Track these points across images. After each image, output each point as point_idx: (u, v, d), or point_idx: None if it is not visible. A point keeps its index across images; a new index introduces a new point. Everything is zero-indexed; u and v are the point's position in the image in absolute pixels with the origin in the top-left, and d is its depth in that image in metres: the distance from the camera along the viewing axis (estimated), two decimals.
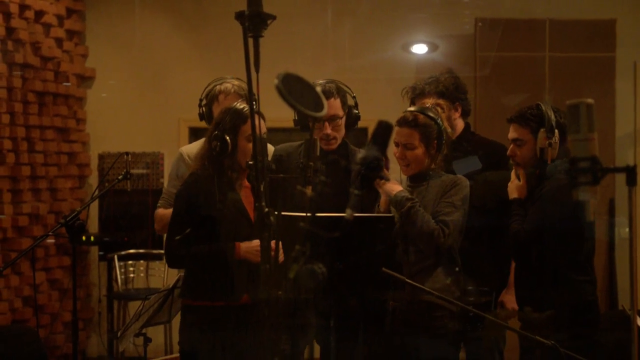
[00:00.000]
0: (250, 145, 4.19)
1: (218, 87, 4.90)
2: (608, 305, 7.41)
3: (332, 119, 4.57)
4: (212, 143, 4.21)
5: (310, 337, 4.56)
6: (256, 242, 4.14)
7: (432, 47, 7.93)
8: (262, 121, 4.18)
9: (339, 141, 4.65)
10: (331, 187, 3.63)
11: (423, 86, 4.93)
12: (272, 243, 3.73)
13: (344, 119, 4.64)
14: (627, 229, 3.20)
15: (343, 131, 4.68)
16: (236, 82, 4.90)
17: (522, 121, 4.33)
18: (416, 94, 4.94)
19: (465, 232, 4.30)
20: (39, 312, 7.19)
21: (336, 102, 4.57)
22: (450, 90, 4.91)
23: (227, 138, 4.17)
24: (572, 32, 7.54)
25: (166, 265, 7.32)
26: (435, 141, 4.26)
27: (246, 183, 4.33)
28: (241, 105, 4.29)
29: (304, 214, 2.88)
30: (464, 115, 5.00)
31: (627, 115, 7.76)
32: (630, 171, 2.71)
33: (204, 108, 4.97)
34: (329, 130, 4.57)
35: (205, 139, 4.35)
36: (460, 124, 4.95)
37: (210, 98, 4.91)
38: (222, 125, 4.21)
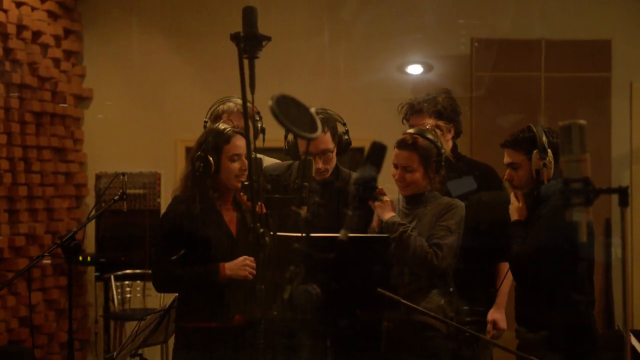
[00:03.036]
0: (234, 164, 4.21)
1: (221, 106, 4.89)
2: (605, 325, 7.40)
3: (323, 153, 4.55)
4: (195, 163, 4.21)
5: (304, 357, 4.55)
6: (240, 259, 4.16)
7: (428, 68, 7.95)
8: (244, 141, 4.20)
9: (330, 171, 4.64)
10: (325, 208, 3.64)
11: (421, 105, 4.92)
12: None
13: (335, 151, 4.63)
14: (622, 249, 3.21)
15: (334, 161, 4.65)
16: (239, 102, 4.89)
17: (515, 145, 4.34)
18: (414, 111, 4.94)
19: (459, 252, 4.32)
20: (36, 333, 7.17)
21: (327, 136, 4.52)
22: (448, 111, 4.91)
23: (210, 158, 4.18)
24: (567, 52, 7.57)
25: None
26: (434, 164, 4.28)
27: (229, 204, 4.34)
28: (223, 125, 4.31)
29: (299, 235, 2.88)
30: (455, 136, 5.01)
31: (623, 135, 7.78)
32: (622, 192, 2.72)
33: None
34: (320, 165, 4.53)
35: (188, 159, 4.36)
36: (449, 145, 4.96)
37: (214, 118, 4.89)
38: (204, 146, 4.22)
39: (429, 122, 4.61)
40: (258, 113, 4.89)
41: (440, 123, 4.62)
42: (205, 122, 4.96)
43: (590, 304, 4.32)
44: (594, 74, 7.57)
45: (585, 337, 4.25)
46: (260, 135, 4.79)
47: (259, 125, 4.79)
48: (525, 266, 4.28)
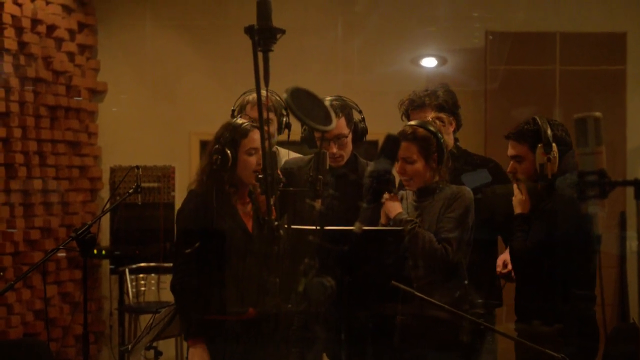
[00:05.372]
0: (251, 158, 4.21)
1: (248, 97, 4.92)
2: (619, 318, 7.38)
3: (337, 138, 4.59)
4: (212, 157, 4.22)
5: (319, 350, 4.56)
6: None
7: (442, 61, 7.94)
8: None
9: (346, 158, 4.67)
10: (341, 200, 3.64)
11: (422, 99, 4.91)
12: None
13: (350, 136, 4.65)
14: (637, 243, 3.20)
15: (350, 148, 4.69)
16: (264, 93, 4.89)
17: (519, 138, 4.31)
18: (415, 106, 4.93)
19: (473, 244, 4.30)
20: (51, 326, 7.20)
21: (341, 121, 4.58)
22: (449, 105, 4.91)
23: (228, 152, 4.19)
24: (582, 45, 7.55)
25: None
26: (436, 154, 4.26)
27: (246, 199, 4.35)
28: (240, 120, 4.31)
29: (313, 227, 2.88)
30: (455, 130, 4.99)
31: (638, 128, 7.75)
32: (638, 184, 2.71)
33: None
34: (334, 150, 4.59)
35: (205, 153, 4.36)
36: (451, 139, 4.93)
37: (240, 108, 4.93)
38: (222, 140, 4.22)
39: (431, 115, 4.60)
40: (285, 108, 4.88)
41: (442, 115, 4.61)
42: (233, 110, 4.97)
43: (592, 298, 4.29)
44: (609, 67, 7.54)
45: (586, 331, 4.24)
46: (285, 131, 4.83)
47: (284, 120, 4.82)
48: (527, 261, 4.27)
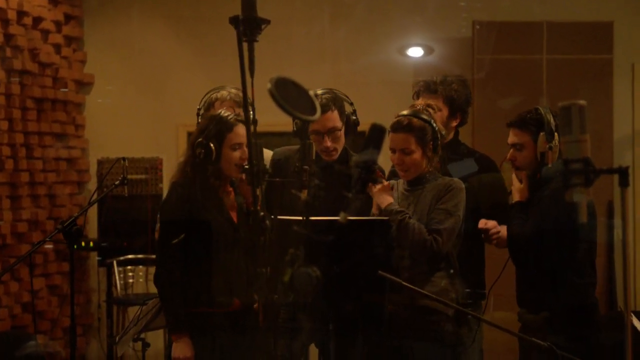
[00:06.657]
0: (235, 153, 4.19)
1: (214, 94, 4.90)
2: (607, 306, 7.41)
3: (330, 131, 4.54)
4: (195, 150, 4.20)
5: (305, 340, 4.55)
6: None
7: (428, 50, 7.92)
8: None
9: (339, 151, 4.62)
10: (328, 191, 3.63)
11: (436, 86, 4.88)
12: None
13: (342, 130, 4.63)
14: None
15: (343, 141, 4.65)
16: (233, 90, 4.89)
17: (521, 125, 4.32)
18: (429, 91, 4.88)
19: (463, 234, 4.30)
20: (39, 318, 7.19)
21: (334, 115, 4.52)
22: (461, 99, 4.88)
23: (212, 146, 4.16)
24: (569, 34, 7.55)
25: None
26: (431, 143, 4.25)
27: (229, 189, 4.33)
28: (226, 113, 4.28)
29: (299, 218, 2.88)
30: (459, 125, 4.98)
31: (625, 117, 7.77)
32: (622, 172, 2.71)
33: (201, 118, 4.95)
34: (328, 143, 4.54)
35: (188, 145, 4.34)
36: (451, 132, 4.91)
37: (207, 106, 4.90)
38: (206, 133, 4.19)
39: (419, 102, 4.58)
40: (251, 104, 4.86)
41: (431, 101, 4.59)
42: (199, 109, 4.95)
43: (592, 286, 4.32)
44: (595, 56, 7.55)
45: (586, 318, 4.26)
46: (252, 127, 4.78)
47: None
48: (524, 248, 4.28)
